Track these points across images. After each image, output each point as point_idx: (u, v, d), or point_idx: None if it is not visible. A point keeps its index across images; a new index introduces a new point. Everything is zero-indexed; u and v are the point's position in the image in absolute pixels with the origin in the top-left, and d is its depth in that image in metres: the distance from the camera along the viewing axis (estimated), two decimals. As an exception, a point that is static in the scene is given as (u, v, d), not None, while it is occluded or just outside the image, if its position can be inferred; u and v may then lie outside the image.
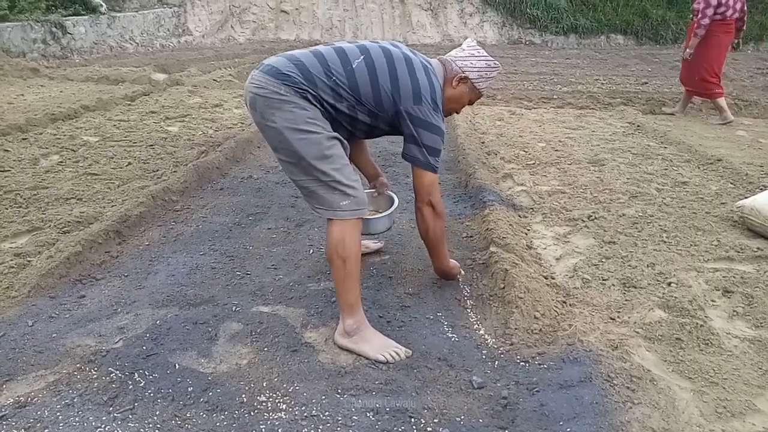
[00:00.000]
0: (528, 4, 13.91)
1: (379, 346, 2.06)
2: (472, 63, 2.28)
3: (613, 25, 14.06)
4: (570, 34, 14.09)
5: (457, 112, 2.43)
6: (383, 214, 2.53)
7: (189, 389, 1.82)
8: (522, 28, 14.34)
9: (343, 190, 2.03)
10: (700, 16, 5.75)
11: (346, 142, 2.13)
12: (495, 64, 2.33)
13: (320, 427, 1.68)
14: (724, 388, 1.85)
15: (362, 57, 2.08)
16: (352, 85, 2.05)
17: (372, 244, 2.89)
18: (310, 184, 2.04)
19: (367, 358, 2.03)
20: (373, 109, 2.11)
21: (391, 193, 2.67)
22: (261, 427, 1.68)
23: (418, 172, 2.22)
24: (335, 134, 2.07)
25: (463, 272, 2.65)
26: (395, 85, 2.09)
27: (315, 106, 2.03)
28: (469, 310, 2.40)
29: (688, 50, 6.01)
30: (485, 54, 2.32)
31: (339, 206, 2.03)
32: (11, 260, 2.61)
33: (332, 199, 2.03)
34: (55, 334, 2.11)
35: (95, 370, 1.90)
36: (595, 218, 3.24)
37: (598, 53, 12.68)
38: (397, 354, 2.04)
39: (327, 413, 1.73)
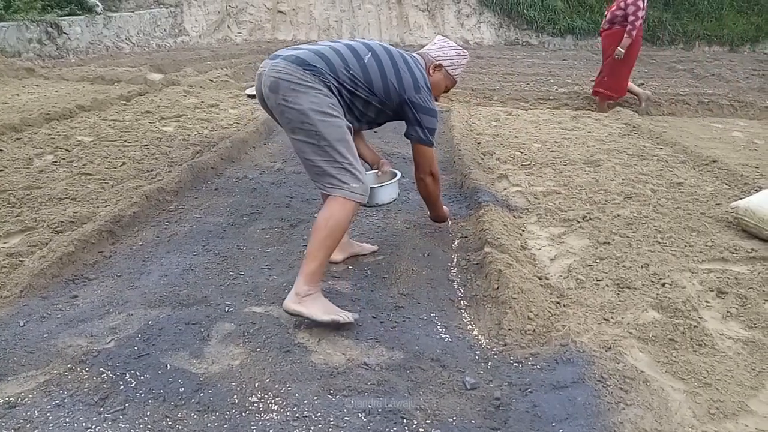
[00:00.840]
0: (525, 5, 13.94)
1: (329, 308, 2.18)
2: (444, 53, 2.63)
3: (609, 26, 14.08)
4: (567, 35, 14.12)
5: (437, 99, 2.65)
6: (389, 182, 2.72)
7: (180, 390, 1.81)
8: (519, 29, 14.37)
9: (354, 174, 2.23)
10: (633, 18, 6.03)
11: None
12: (464, 52, 2.68)
13: (312, 427, 1.67)
14: (717, 389, 1.85)
15: (370, 53, 2.37)
16: (366, 77, 2.33)
17: (368, 246, 2.89)
18: (326, 165, 2.21)
19: (314, 320, 2.12)
20: (383, 99, 2.40)
21: (393, 169, 2.85)
22: (252, 427, 1.67)
23: (420, 148, 2.57)
24: (349, 124, 2.30)
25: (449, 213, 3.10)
26: (399, 78, 2.40)
27: (335, 95, 2.26)
28: (462, 311, 2.39)
29: (620, 49, 6.24)
30: (455, 44, 2.67)
31: (350, 187, 2.21)
32: (3, 260, 2.60)
33: (345, 179, 2.21)
34: (46, 335, 2.10)
35: (86, 371, 1.89)
36: (590, 219, 3.24)
37: (595, 54, 12.67)
38: (347, 316, 2.17)
39: (319, 414, 1.72)
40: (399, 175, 2.77)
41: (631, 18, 6.06)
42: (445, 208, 3.03)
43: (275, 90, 2.20)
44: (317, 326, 2.15)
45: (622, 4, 6.17)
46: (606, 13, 6.42)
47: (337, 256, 2.72)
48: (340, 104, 2.28)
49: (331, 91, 2.23)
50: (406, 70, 2.42)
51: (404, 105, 2.44)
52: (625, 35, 6.16)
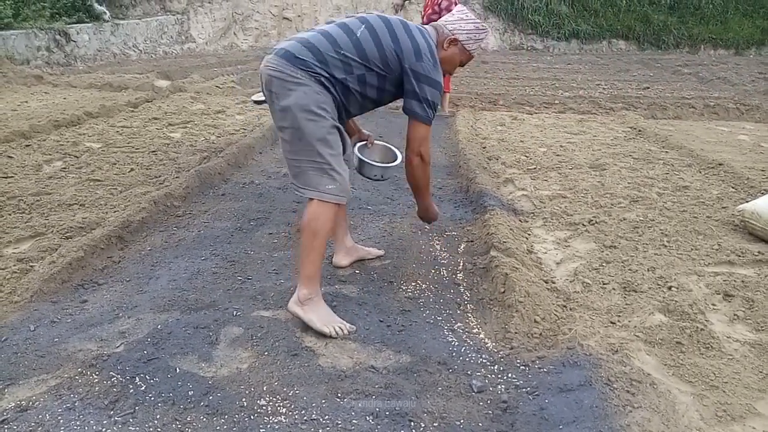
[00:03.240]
0: (530, 10, 13.97)
1: (325, 318, 2.22)
2: (461, 26, 2.46)
3: (614, 30, 14.10)
4: (572, 40, 14.13)
5: (450, 74, 2.57)
6: (393, 164, 2.69)
7: (189, 393, 1.83)
8: (524, 34, 14.39)
9: (332, 176, 2.21)
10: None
11: (346, 135, 2.37)
12: (483, 26, 2.51)
13: (320, 430, 1.68)
14: (724, 391, 1.85)
15: (363, 26, 2.28)
16: (360, 53, 2.23)
17: (374, 251, 2.90)
18: (305, 164, 2.22)
19: (312, 328, 2.19)
20: (382, 71, 2.28)
21: (389, 145, 2.82)
22: (261, 430, 1.68)
23: (415, 125, 2.37)
24: (338, 125, 2.28)
25: (439, 215, 2.79)
26: (397, 44, 2.27)
27: (328, 90, 2.22)
28: (469, 314, 2.40)
29: None
30: (474, 18, 2.50)
31: (325, 189, 2.21)
32: (14, 265, 2.63)
33: (320, 181, 2.21)
34: (56, 339, 2.12)
35: (96, 375, 1.91)
36: (596, 223, 3.24)
37: (600, 58, 12.70)
38: (341, 329, 2.20)
39: (327, 417, 1.73)
40: (400, 159, 2.68)
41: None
42: (435, 207, 2.75)
43: (269, 87, 2.24)
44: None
45: (436, 8, 6.08)
46: (422, 15, 6.26)
47: (343, 260, 2.74)
48: (334, 97, 2.25)
49: (323, 85, 2.21)
50: (406, 38, 2.29)
51: (404, 75, 2.30)
52: None
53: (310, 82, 2.19)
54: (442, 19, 2.52)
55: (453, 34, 2.45)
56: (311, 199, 2.23)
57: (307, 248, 2.23)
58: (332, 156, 2.22)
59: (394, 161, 2.71)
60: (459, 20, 2.47)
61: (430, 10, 6.16)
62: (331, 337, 2.17)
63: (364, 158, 2.62)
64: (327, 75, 2.21)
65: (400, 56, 2.27)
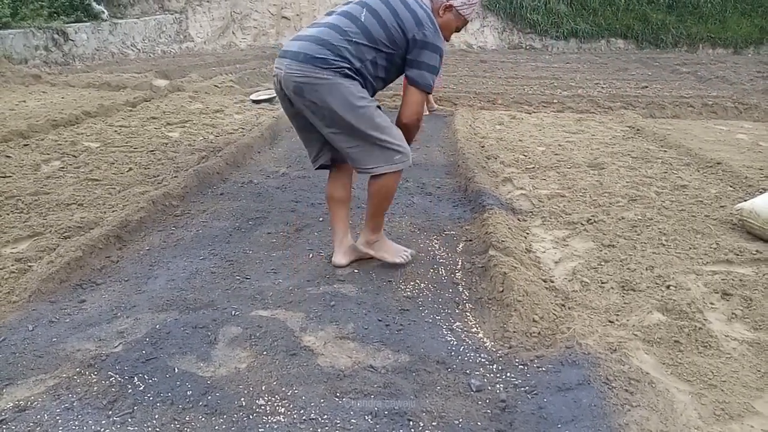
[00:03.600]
0: (528, 9, 13.95)
1: (393, 251, 2.74)
2: None
3: (613, 29, 14.09)
4: (570, 39, 14.12)
5: (447, 39, 2.62)
6: None
7: (188, 393, 1.83)
8: (522, 33, 14.38)
9: (395, 149, 2.47)
10: None
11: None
12: None
13: (319, 430, 1.68)
14: (722, 390, 1.85)
15: (365, 9, 2.42)
16: (368, 36, 2.38)
17: (371, 252, 2.88)
18: (366, 147, 2.45)
19: (386, 261, 2.70)
20: (390, 49, 2.43)
21: None
22: (260, 430, 1.68)
23: (412, 90, 2.50)
24: (377, 103, 2.49)
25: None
26: (399, 19, 2.39)
27: (353, 78, 2.39)
28: (467, 314, 2.40)
29: None
30: None
31: (392, 161, 2.48)
32: (12, 265, 2.62)
33: (386, 157, 2.47)
34: (55, 339, 2.12)
35: (95, 374, 1.91)
36: (595, 222, 3.25)
37: (599, 57, 12.70)
38: (408, 255, 2.75)
39: (325, 416, 1.73)
40: None
41: None
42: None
43: (300, 94, 2.38)
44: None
45: None
46: None
47: (342, 260, 2.76)
48: (360, 82, 2.41)
49: (348, 76, 2.36)
50: (405, 10, 2.41)
51: (408, 46, 2.43)
52: None
53: (337, 79, 2.34)
54: None
55: (448, 1, 2.55)
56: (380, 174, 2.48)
57: (379, 207, 2.60)
58: (388, 134, 2.45)
59: None
60: None
61: None
62: (403, 264, 2.69)
63: None
64: (348, 66, 2.36)
65: (404, 29, 2.39)
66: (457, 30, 2.70)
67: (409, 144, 2.61)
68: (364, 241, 2.69)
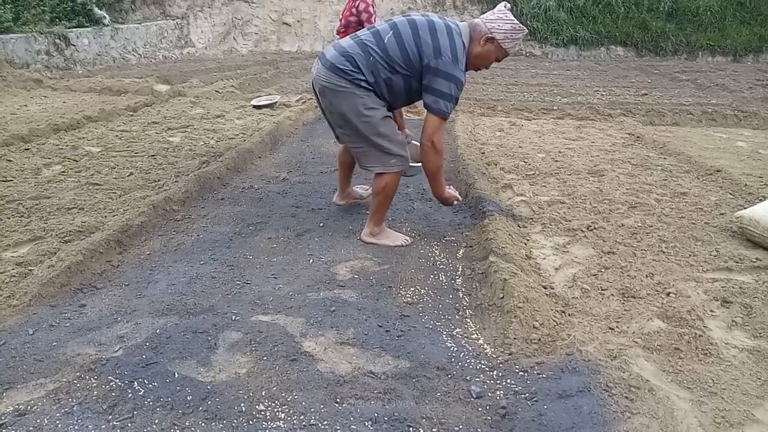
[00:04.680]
0: (528, 16, 14.00)
1: (393, 238, 3.06)
2: (498, 25, 2.70)
3: (613, 36, 14.15)
4: (570, 46, 14.18)
5: (486, 68, 2.88)
6: (414, 164, 3.09)
7: (188, 398, 1.82)
8: (522, 40, 14.42)
9: (393, 154, 2.83)
10: (369, 25, 5.99)
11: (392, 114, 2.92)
12: (520, 27, 2.75)
13: (319, 436, 1.68)
14: (722, 398, 1.85)
15: (391, 32, 2.70)
16: (384, 55, 2.67)
17: (365, 193, 3.57)
18: (368, 151, 2.84)
19: (387, 246, 3.00)
20: (406, 71, 2.69)
21: (415, 142, 3.24)
22: (259, 435, 1.68)
23: (429, 116, 2.77)
24: (387, 113, 2.82)
25: (460, 198, 3.25)
26: (418, 45, 2.64)
27: (369, 89, 2.72)
28: (468, 320, 2.40)
29: None
30: (512, 18, 2.74)
31: (389, 163, 2.85)
32: (13, 269, 2.62)
33: (384, 160, 2.85)
34: (55, 343, 2.11)
35: (95, 379, 1.90)
36: (595, 228, 3.25)
37: (598, 65, 12.75)
38: (406, 240, 3.06)
39: (325, 422, 1.73)
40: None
41: (366, 25, 6.09)
42: (449, 191, 3.13)
43: (324, 95, 2.81)
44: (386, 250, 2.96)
45: (354, 11, 6.17)
46: (341, 18, 6.32)
47: (340, 201, 3.51)
48: (376, 92, 2.73)
49: (365, 88, 2.70)
50: (429, 39, 2.62)
51: (423, 71, 2.66)
52: None
53: (354, 89, 2.69)
54: (483, 16, 2.80)
55: (491, 33, 2.71)
56: (380, 174, 2.86)
57: (381, 204, 2.97)
58: (389, 142, 2.80)
59: (418, 163, 3.05)
60: (498, 19, 2.71)
61: (348, 13, 6.24)
62: (403, 246, 3.00)
63: None
64: (364, 79, 2.69)
65: (421, 55, 2.63)
66: (497, 60, 2.85)
67: (435, 171, 2.92)
68: (368, 232, 3.03)
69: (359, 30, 6.17)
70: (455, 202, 3.18)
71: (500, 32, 2.69)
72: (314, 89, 2.87)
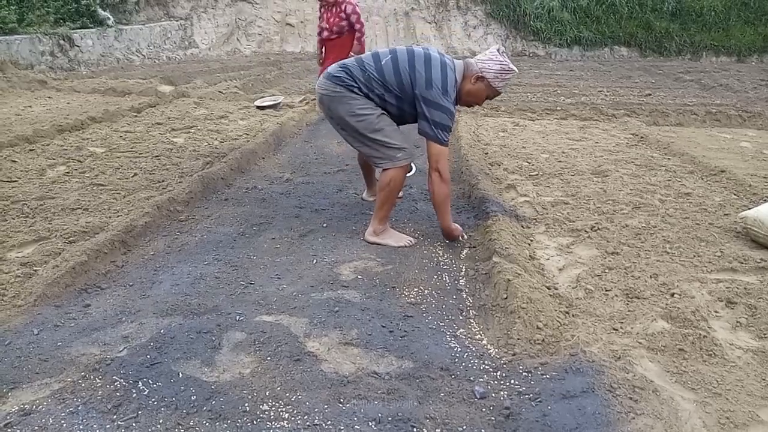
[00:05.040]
0: (532, 16, 14.01)
1: (396, 238, 3.08)
2: (489, 66, 2.89)
3: (616, 37, 14.14)
4: (574, 46, 14.16)
5: (479, 104, 3.10)
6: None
7: (192, 398, 1.83)
8: (526, 41, 14.43)
9: (396, 147, 2.95)
10: (359, 26, 6.08)
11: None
12: (510, 68, 2.92)
13: (322, 436, 1.68)
14: (727, 399, 1.85)
15: (390, 56, 2.92)
16: (380, 76, 2.89)
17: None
18: (369, 150, 3.01)
19: (390, 246, 3.03)
20: (398, 93, 2.90)
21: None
22: (263, 435, 1.68)
23: (428, 144, 2.93)
24: (381, 111, 2.95)
25: (465, 236, 3.20)
26: (412, 74, 2.84)
27: (364, 95, 2.92)
28: (471, 320, 2.40)
29: (353, 53, 6.04)
30: (503, 59, 2.90)
31: (396, 158, 2.96)
32: (18, 269, 2.63)
33: (389, 155, 2.96)
34: (60, 343, 2.12)
35: (99, 379, 1.91)
36: (598, 229, 3.24)
37: (602, 65, 12.73)
38: (410, 241, 3.08)
39: (329, 422, 1.73)
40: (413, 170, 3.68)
41: (357, 26, 6.09)
42: (455, 225, 3.12)
43: (323, 103, 3.04)
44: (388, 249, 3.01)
45: (343, 15, 6.06)
46: (325, 24, 6.09)
47: (368, 198, 3.68)
48: (372, 100, 2.92)
49: (358, 93, 2.90)
50: (422, 70, 2.82)
51: (415, 99, 2.86)
52: (356, 42, 6.14)
53: (346, 93, 2.90)
54: (477, 56, 2.99)
55: (481, 72, 2.89)
56: (386, 170, 2.97)
57: (386, 200, 3.02)
58: (387, 137, 2.93)
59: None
60: (489, 60, 2.89)
61: (336, 19, 6.06)
62: (406, 246, 3.02)
63: None
64: (357, 87, 2.90)
65: (413, 83, 2.83)
66: (489, 98, 3.05)
67: (442, 201, 2.98)
68: (371, 230, 3.07)
69: (352, 34, 6.17)
70: (460, 238, 3.14)
71: (490, 72, 2.87)
72: (319, 101, 3.09)
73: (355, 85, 2.90)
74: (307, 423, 1.73)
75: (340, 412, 1.78)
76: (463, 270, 2.86)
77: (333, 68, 2.97)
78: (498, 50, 2.94)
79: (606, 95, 8.57)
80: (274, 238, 3.18)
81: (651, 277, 2.68)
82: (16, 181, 3.90)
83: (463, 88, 2.93)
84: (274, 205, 3.71)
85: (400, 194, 3.77)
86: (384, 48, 3.11)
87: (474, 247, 3.12)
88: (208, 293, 2.54)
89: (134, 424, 1.71)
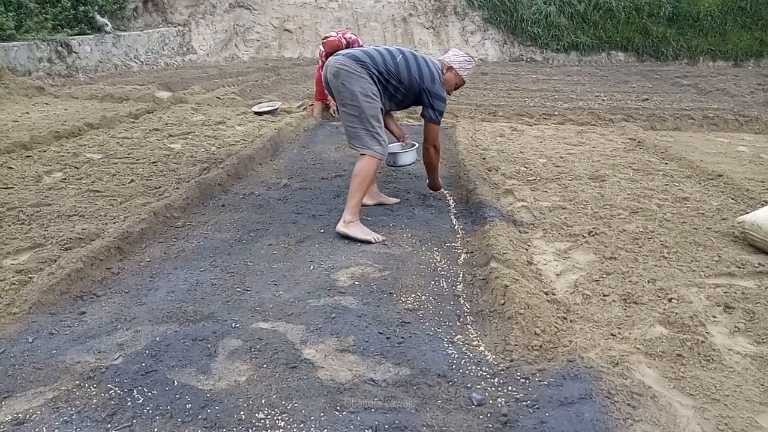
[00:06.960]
0: (529, 22, 14.05)
1: (364, 232, 3.24)
2: (454, 59, 3.57)
3: (613, 42, 14.18)
4: (571, 51, 14.21)
5: (449, 93, 3.57)
6: (410, 149, 3.87)
7: (187, 406, 1.82)
8: (523, 46, 14.47)
9: (378, 140, 3.28)
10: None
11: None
12: (470, 59, 3.63)
13: (319, 444, 1.67)
14: (725, 404, 1.84)
15: (401, 56, 3.38)
16: (396, 71, 3.33)
17: (392, 199, 3.90)
18: (361, 130, 3.25)
19: (356, 239, 3.19)
20: (407, 88, 3.39)
21: (413, 142, 3.94)
22: (259, 444, 1.67)
23: (429, 125, 3.50)
24: (382, 107, 3.33)
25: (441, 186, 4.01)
26: (420, 73, 3.37)
27: (376, 83, 3.28)
28: (469, 326, 2.39)
29: None
30: (464, 54, 3.64)
31: (373, 148, 3.26)
32: (13, 277, 2.62)
33: (370, 143, 3.26)
34: (54, 351, 2.11)
35: (94, 387, 1.90)
36: (596, 234, 3.24)
37: (599, 70, 12.76)
38: (377, 237, 3.22)
39: (325, 430, 1.72)
40: (416, 145, 3.84)
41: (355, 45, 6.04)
42: (439, 180, 3.98)
43: (337, 76, 3.23)
44: (359, 243, 3.16)
45: (343, 41, 5.72)
46: (324, 49, 5.66)
47: (368, 201, 3.68)
48: (379, 90, 3.29)
49: (373, 79, 3.26)
50: (426, 68, 3.39)
51: (422, 92, 3.39)
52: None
53: (366, 76, 3.23)
54: (442, 56, 3.63)
55: (449, 63, 3.52)
56: (362, 155, 3.25)
57: (357, 189, 3.24)
58: (380, 128, 3.28)
59: (409, 156, 3.84)
60: (453, 55, 3.59)
61: (338, 43, 5.70)
62: (371, 242, 3.17)
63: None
64: (376, 74, 3.27)
65: (420, 81, 3.36)
66: (457, 87, 3.63)
67: (436, 166, 3.76)
68: (342, 222, 3.25)
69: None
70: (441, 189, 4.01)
71: (456, 63, 3.53)
72: (325, 76, 3.33)
73: (375, 73, 3.25)
74: (303, 431, 1.72)
75: (336, 420, 1.76)
76: (461, 275, 2.85)
77: (358, 52, 3.29)
78: (457, 50, 3.68)
79: (603, 100, 8.58)
80: (270, 245, 3.17)
81: (649, 282, 2.68)
82: (12, 187, 3.89)
83: (442, 78, 3.49)
84: (271, 211, 3.71)
85: (397, 200, 3.97)
86: (384, 47, 3.43)
87: (471, 252, 3.12)
88: (204, 300, 2.53)
89: (129, 433, 1.69)
